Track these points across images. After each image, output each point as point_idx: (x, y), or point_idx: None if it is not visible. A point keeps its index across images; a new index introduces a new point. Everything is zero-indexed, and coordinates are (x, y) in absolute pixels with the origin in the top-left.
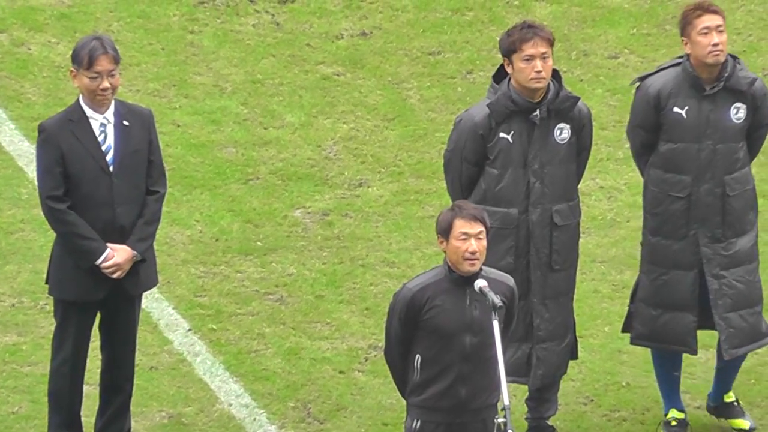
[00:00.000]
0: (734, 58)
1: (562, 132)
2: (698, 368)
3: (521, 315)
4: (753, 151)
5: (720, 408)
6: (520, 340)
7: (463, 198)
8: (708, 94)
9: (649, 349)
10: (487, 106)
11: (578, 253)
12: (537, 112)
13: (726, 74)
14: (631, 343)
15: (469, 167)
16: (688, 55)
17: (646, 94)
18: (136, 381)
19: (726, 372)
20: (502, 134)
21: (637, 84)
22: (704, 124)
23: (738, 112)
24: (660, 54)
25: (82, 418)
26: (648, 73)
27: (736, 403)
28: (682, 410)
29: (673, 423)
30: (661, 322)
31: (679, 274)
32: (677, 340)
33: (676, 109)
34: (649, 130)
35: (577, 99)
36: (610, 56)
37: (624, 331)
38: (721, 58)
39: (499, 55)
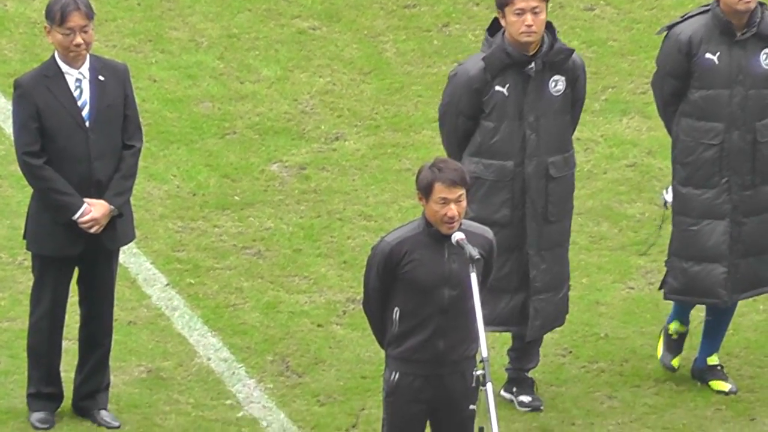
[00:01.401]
0: (762, 4)
1: (557, 84)
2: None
3: (515, 266)
4: None
5: (704, 371)
6: (514, 290)
7: (459, 152)
8: (739, 39)
9: (626, 301)
10: (482, 59)
11: (573, 205)
12: (532, 65)
13: (756, 20)
14: (665, 298)
15: (465, 121)
16: (717, 1)
17: (677, 41)
18: (114, 336)
19: (716, 326)
20: (497, 87)
21: (665, 33)
22: (736, 70)
23: (767, 58)
24: (636, 5)
25: (62, 373)
26: (674, 21)
27: (719, 367)
28: (685, 325)
29: (674, 336)
30: (692, 274)
31: (711, 223)
32: (708, 292)
33: (708, 56)
34: (680, 78)
35: (572, 51)
36: (586, 8)
37: (661, 288)
38: (752, 5)
39: (476, 8)
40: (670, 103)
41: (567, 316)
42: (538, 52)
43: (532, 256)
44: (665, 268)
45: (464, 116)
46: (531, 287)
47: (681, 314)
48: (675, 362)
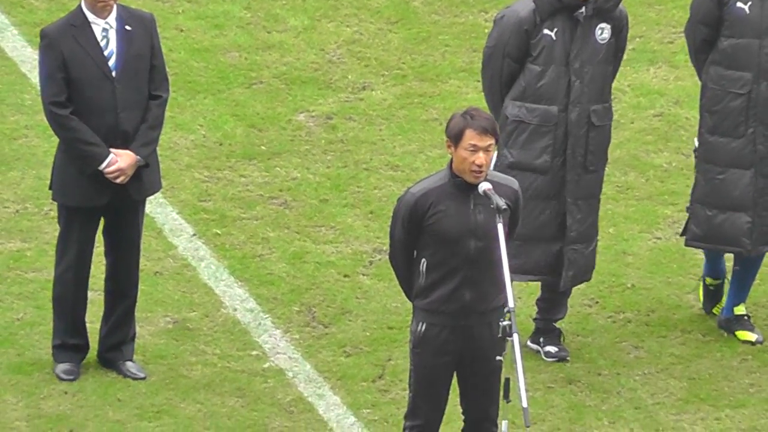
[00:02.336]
0: None
1: (603, 32)
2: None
3: (553, 215)
4: None
5: (730, 321)
6: (550, 240)
7: (501, 96)
8: None
9: (653, 251)
10: (533, 1)
11: (608, 156)
12: (582, 9)
13: None
14: (686, 244)
15: (511, 63)
16: None
17: None
18: (140, 286)
19: (744, 276)
20: (546, 31)
21: None
22: (767, 21)
23: None
24: None
25: (87, 324)
26: None
27: (746, 317)
28: (718, 278)
29: (711, 288)
30: (716, 223)
31: (736, 173)
32: (731, 240)
33: (739, 5)
34: (711, 26)
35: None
36: None
37: (683, 234)
38: None
39: None
40: (701, 51)
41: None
42: None
43: (569, 204)
44: (687, 215)
45: (510, 58)
46: (567, 236)
47: (713, 268)
48: (716, 310)
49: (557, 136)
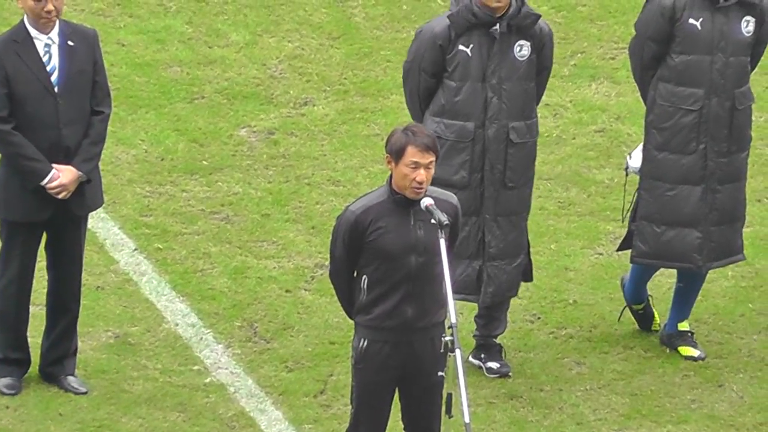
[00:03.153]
0: None
1: (522, 49)
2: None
3: (473, 231)
4: (751, 68)
5: (673, 336)
6: (471, 257)
7: (420, 111)
8: (722, 6)
9: (595, 267)
10: (448, 17)
11: (534, 173)
12: (497, 26)
13: None
14: (632, 262)
15: (427, 78)
16: None
17: (660, 5)
18: (82, 301)
19: (687, 292)
20: (461, 47)
21: None
22: (718, 37)
23: (748, 26)
24: None
25: (29, 339)
26: None
27: (689, 333)
28: (641, 302)
29: (640, 311)
30: (664, 240)
31: (686, 189)
32: (681, 257)
33: (691, 21)
34: (661, 42)
35: (538, 16)
36: None
37: (620, 249)
38: None
39: None
40: (648, 68)
41: (534, 283)
42: (505, 14)
43: (488, 221)
44: (627, 231)
45: (427, 74)
46: (486, 253)
47: (636, 293)
48: (655, 326)
49: (475, 152)
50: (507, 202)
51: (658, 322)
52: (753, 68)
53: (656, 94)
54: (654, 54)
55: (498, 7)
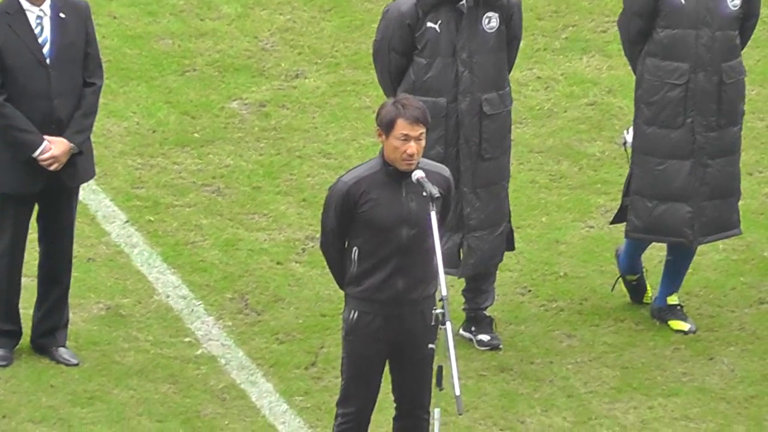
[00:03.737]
0: None
1: (491, 21)
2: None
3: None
4: (743, 42)
5: (663, 310)
6: (452, 230)
7: (392, 88)
8: None
9: (585, 239)
10: None
11: (510, 142)
12: (464, 1)
13: None
14: (626, 236)
15: (397, 57)
16: None
17: None
18: (73, 273)
19: (677, 266)
20: (429, 24)
21: None
22: (703, 11)
23: (734, 0)
24: None
25: (21, 310)
26: None
27: (679, 307)
28: (635, 273)
29: (633, 282)
30: (656, 214)
31: (675, 163)
32: (673, 231)
33: None
34: (647, 17)
35: None
36: None
37: (614, 223)
38: None
39: None
40: (636, 42)
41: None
42: None
43: (466, 194)
44: (620, 205)
45: (396, 53)
46: (466, 225)
47: (630, 265)
48: (647, 298)
49: (449, 127)
50: (485, 174)
51: (650, 295)
52: (744, 42)
53: (644, 68)
54: (640, 29)
55: None
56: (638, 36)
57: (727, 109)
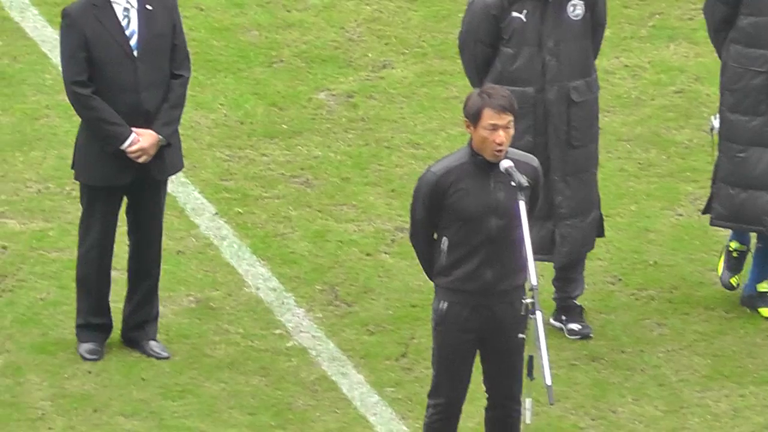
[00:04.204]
0: None
1: (576, 8)
2: None
3: (543, 193)
4: None
5: (754, 297)
6: (544, 218)
7: (479, 79)
8: None
9: (675, 227)
10: None
11: (598, 128)
12: None
13: None
14: (711, 224)
15: (484, 48)
16: None
17: None
18: (163, 266)
19: (766, 254)
20: (514, 13)
21: None
22: None
23: None
24: None
25: (111, 304)
26: None
27: None
28: (744, 244)
29: (735, 255)
30: (738, 201)
31: (757, 151)
32: (753, 219)
33: None
34: (731, 4)
35: None
36: None
37: (705, 212)
38: None
39: None
40: (720, 30)
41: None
42: None
43: (556, 182)
44: (710, 193)
45: (483, 44)
46: (556, 213)
47: (740, 234)
48: (734, 281)
49: (537, 116)
50: (575, 161)
51: (737, 282)
52: None
53: (728, 55)
54: (724, 16)
55: None
56: (722, 23)
57: None
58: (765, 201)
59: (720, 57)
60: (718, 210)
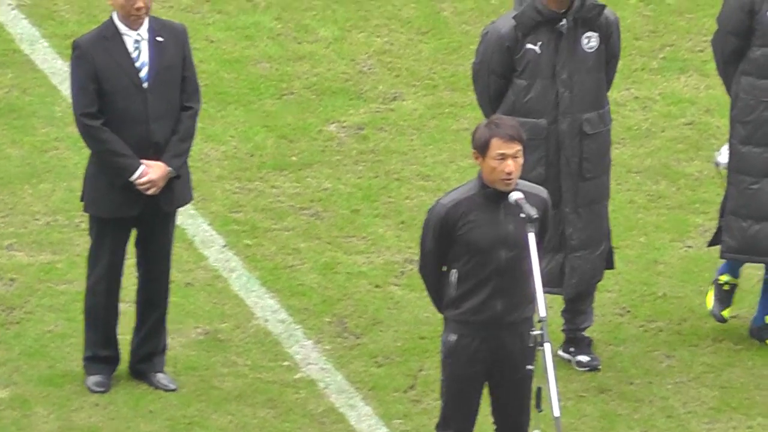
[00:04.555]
0: None
1: (590, 40)
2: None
3: (554, 225)
4: None
5: (762, 329)
6: (554, 250)
7: (492, 110)
8: None
9: (684, 260)
10: (513, 17)
11: (610, 160)
12: (563, 21)
13: None
14: (721, 256)
15: (497, 79)
16: None
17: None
18: (171, 298)
19: None
20: (529, 45)
21: None
22: None
23: None
24: None
25: (119, 336)
26: None
27: None
28: (736, 277)
29: (725, 287)
30: (750, 234)
31: None
32: (766, 251)
33: None
34: (741, 36)
35: (603, 7)
36: None
37: (711, 245)
38: None
39: None
40: (730, 62)
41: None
42: (570, 8)
43: (568, 214)
44: (718, 226)
45: (496, 75)
46: (567, 245)
47: (732, 267)
48: (725, 313)
49: (549, 148)
50: (586, 193)
51: (728, 315)
52: None
53: (739, 87)
54: (735, 48)
55: (561, 5)
56: (732, 55)
57: None
58: None
59: (728, 90)
60: (728, 243)
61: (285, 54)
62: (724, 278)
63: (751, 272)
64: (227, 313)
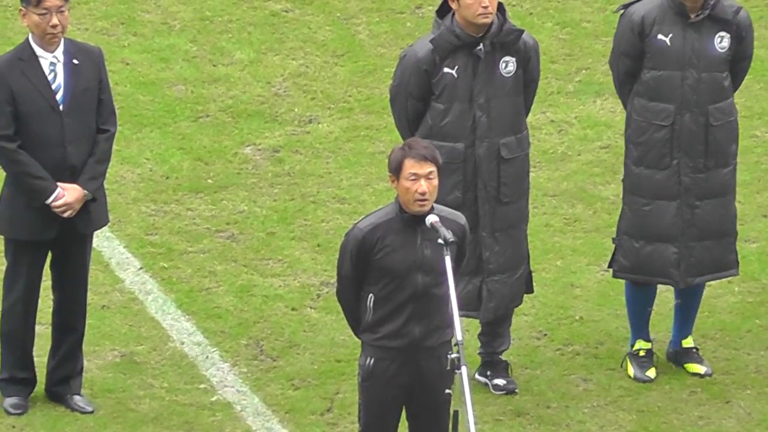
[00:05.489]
0: None
1: (508, 65)
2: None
3: (471, 249)
4: (735, 83)
5: (679, 353)
6: (471, 273)
7: (410, 133)
8: (692, 21)
9: (601, 283)
10: (431, 41)
11: (529, 184)
12: (481, 46)
13: (711, 2)
14: (614, 276)
15: (415, 102)
16: None
17: (630, 21)
18: (88, 320)
19: (686, 308)
20: (446, 69)
21: (621, 11)
22: (689, 53)
23: (722, 41)
24: None
25: (35, 358)
26: (631, 0)
27: (694, 350)
28: (649, 341)
29: (641, 353)
30: (644, 254)
31: (662, 204)
32: (659, 271)
33: (660, 37)
34: (634, 58)
35: (522, 32)
36: None
37: (610, 266)
38: None
39: None
40: (625, 83)
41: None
42: (487, 33)
43: (485, 238)
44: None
45: (413, 98)
46: (485, 269)
47: (640, 331)
48: (650, 373)
49: (467, 172)
50: (504, 217)
51: (654, 375)
52: (737, 84)
53: (632, 108)
54: (628, 69)
55: (485, 23)
56: (626, 76)
57: (715, 150)
58: (670, 253)
59: (626, 109)
60: (621, 262)
61: (200, 76)
62: (639, 345)
63: (668, 296)
64: (143, 335)
